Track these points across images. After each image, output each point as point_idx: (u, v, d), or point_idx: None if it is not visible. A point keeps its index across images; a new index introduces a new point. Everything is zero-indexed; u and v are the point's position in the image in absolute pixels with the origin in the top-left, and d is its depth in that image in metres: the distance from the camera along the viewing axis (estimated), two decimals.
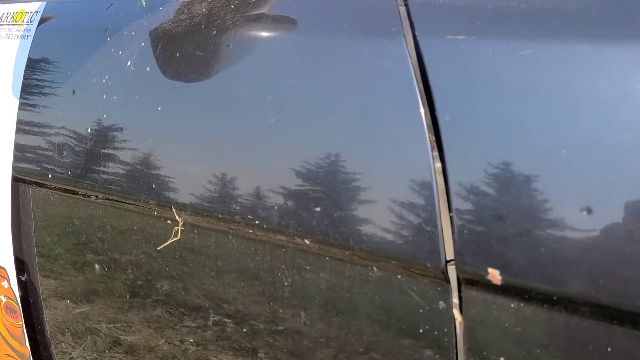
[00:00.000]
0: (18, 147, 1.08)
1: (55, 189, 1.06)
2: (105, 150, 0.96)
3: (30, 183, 1.10)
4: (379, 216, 0.63)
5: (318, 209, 0.71)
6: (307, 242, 0.74)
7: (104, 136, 0.96)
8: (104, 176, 0.96)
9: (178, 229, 0.89)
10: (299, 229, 0.75)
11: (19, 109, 1.08)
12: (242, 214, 0.81)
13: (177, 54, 0.89)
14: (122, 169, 0.93)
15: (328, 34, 0.77)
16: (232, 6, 0.88)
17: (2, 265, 1.15)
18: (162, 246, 0.92)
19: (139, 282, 0.97)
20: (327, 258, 0.73)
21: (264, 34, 0.83)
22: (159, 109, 0.89)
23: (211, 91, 0.85)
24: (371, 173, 0.65)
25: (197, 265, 0.90)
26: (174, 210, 0.88)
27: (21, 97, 1.08)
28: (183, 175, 0.86)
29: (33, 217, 1.12)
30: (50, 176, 1.03)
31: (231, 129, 0.82)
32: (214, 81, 0.85)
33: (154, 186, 0.89)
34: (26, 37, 1.10)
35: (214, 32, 0.87)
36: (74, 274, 1.08)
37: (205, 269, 0.89)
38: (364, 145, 0.66)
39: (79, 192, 1.02)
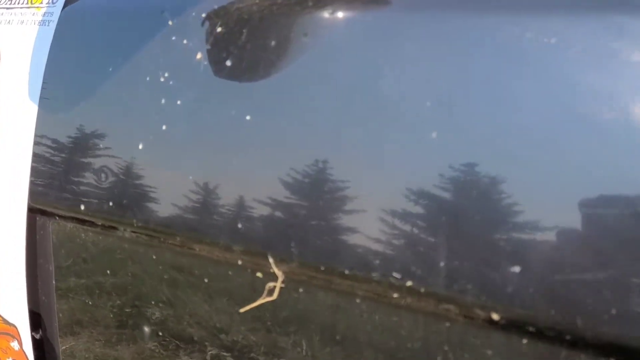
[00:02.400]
0: (37, 169, 0.83)
1: (86, 223, 0.81)
2: (166, 175, 0.71)
3: (52, 215, 0.85)
4: None
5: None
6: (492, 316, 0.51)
7: (162, 155, 0.72)
8: (161, 210, 0.72)
9: (276, 286, 0.65)
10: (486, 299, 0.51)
11: (38, 119, 0.83)
12: (383, 270, 0.57)
13: (273, 42, 0.65)
14: (190, 200, 0.69)
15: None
16: None
17: (12, 322, 0.89)
18: (247, 307, 0.68)
19: (211, 352, 0.72)
20: None
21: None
22: (247, 117, 0.65)
23: (333, 94, 0.61)
24: None
25: (301, 334, 0.66)
26: (271, 260, 0.64)
27: (41, 104, 0.83)
28: (288, 213, 0.62)
29: (53, 259, 0.87)
30: (82, 207, 0.78)
31: (369, 147, 0.58)
32: (338, 82, 0.61)
33: (240, 226, 0.65)
34: (47, 23, 0.86)
35: (331, 11, 0.63)
36: (109, 337, 0.83)
37: (314, 342, 0.65)
38: None
39: (122, 230, 0.77)
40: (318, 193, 0.61)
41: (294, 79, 0.64)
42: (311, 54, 0.63)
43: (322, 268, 0.61)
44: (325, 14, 0.63)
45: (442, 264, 0.54)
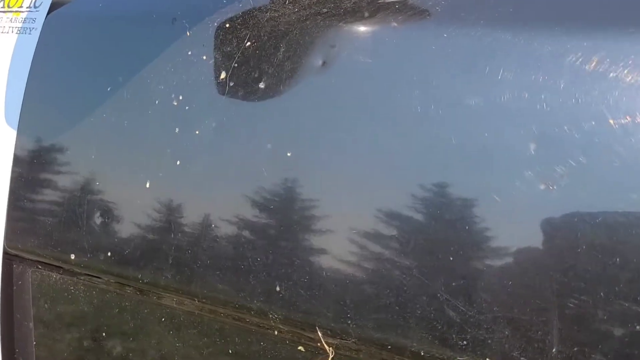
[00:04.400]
0: (14, 208, 0.70)
1: (76, 275, 0.68)
2: (181, 221, 0.59)
3: (32, 263, 0.71)
4: None
5: None
6: None
7: (176, 196, 0.59)
8: (176, 264, 0.59)
9: None
10: None
11: (17, 148, 0.70)
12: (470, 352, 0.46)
13: (322, 61, 0.54)
14: (214, 254, 0.57)
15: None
16: None
17: None
18: None
19: None
20: None
21: None
22: (288, 154, 0.54)
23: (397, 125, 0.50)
24: None
25: None
26: (319, 333, 0.52)
27: (20, 131, 0.70)
28: (339, 273, 0.51)
29: (33, 314, 0.73)
30: (72, 257, 0.65)
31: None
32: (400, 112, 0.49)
33: (278, 289, 0.53)
34: (28, 31, 0.73)
35: (395, 23, 0.52)
36: None
37: None
38: None
39: (123, 285, 0.65)
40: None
41: (353, 110, 0.52)
42: (374, 76, 0.52)
43: (386, 344, 0.49)
44: (393, 24, 0.52)
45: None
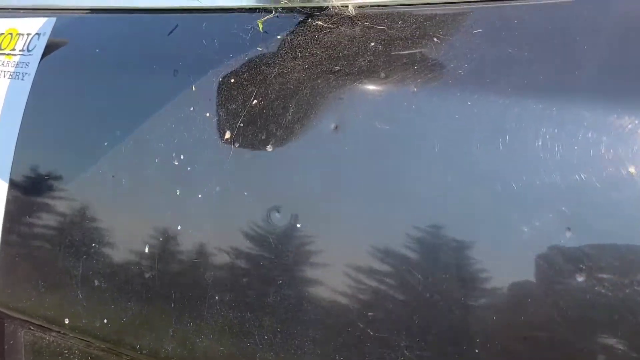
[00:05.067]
0: (5, 263, 0.66)
1: (70, 339, 0.65)
2: (183, 289, 0.55)
3: (24, 323, 0.68)
4: None
5: None
6: None
7: (177, 262, 0.56)
8: (177, 335, 0.56)
9: None
10: None
11: (8, 202, 0.66)
12: None
13: (335, 125, 0.50)
14: (220, 326, 0.53)
15: None
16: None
17: None
18: None
19: None
20: None
21: None
22: (298, 225, 0.50)
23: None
24: None
25: None
26: None
27: (11, 184, 0.66)
28: None
29: None
30: (66, 321, 0.62)
31: None
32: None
33: None
34: (20, 77, 0.69)
35: (414, 87, 0.48)
36: None
37: None
38: None
39: (120, 354, 0.61)
40: None
41: (367, 180, 0.48)
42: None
43: None
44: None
45: None
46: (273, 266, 0.52)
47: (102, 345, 0.62)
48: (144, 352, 0.58)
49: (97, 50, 0.66)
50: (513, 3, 0.50)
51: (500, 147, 0.45)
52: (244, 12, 0.58)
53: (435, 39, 0.51)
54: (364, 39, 0.53)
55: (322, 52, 0.54)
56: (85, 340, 0.64)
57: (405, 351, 0.46)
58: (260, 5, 0.57)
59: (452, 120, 0.47)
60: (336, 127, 0.51)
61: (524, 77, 0.46)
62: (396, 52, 0.51)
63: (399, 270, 0.46)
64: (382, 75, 0.50)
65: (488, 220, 0.44)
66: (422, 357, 0.45)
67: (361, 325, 0.47)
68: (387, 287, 0.47)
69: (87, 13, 0.70)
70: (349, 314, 0.48)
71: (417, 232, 0.46)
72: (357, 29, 0.54)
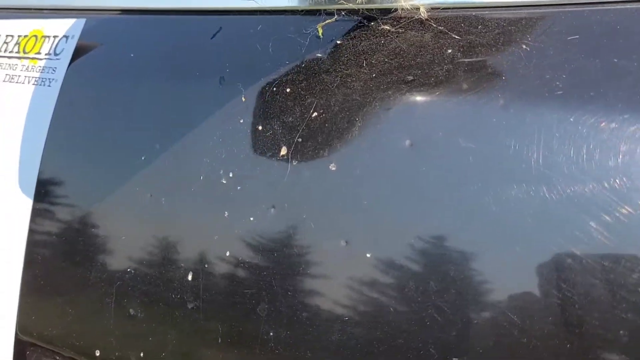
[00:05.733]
0: (29, 289, 0.61)
1: None
2: (231, 321, 0.50)
3: (49, 352, 0.62)
4: None
5: None
6: None
7: (225, 293, 0.50)
8: None
9: None
10: None
11: (33, 219, 0.61)
12: None
13: (409, 142, 0.45)
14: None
15: None
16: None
17: None
18: None
19: None
20: None
21: None
22: (368, 255, 0.44)
23: None
24: None
25: None
26: None
27: (36, 198, 0.60)
28: None
29: None
30: (97, 353, 0.56)
31: None
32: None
33: None
34: (47, 83, 0.64)
35: (502, 100, 0.43)
36: None
37: None
38: None
39: None
40: None
41: (449, 208, 0.43)
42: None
43: None
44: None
45: None
46: (338, 299, 0.46)
47: None
48: None
49: (131, 55, 0.61)
50: (615, 7, 0.44)
51: (611, 171, 0.39)
52: (302, 14, 0.53)
53: (524, 46, 0.45)
54: (439, 45, 0.48)
55: (391, 59, 0.49)
56: None
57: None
58: (321, 7, 0.51)
59: (550, 137, 0.41)
60: (411, 144, 0.45)
61: (635, 91, 0.40)
62: (478, 61, 0.46)
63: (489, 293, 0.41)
64: (465, 86, 0.45)
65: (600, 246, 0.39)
66: None
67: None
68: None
69: (119, 14, 0.65)
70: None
71: (511, 258, 0.41)
72: (430, 33, 0.49)
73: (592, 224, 0.39)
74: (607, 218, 0.39)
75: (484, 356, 0.41)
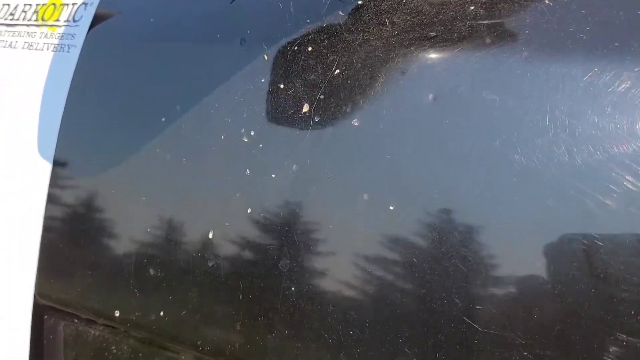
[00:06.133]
0: (48, 252, 0.61)
1: (120, 334, 0.60)
2: (252, 279, 0.50)
3: (67, 315, 0.63)
4: None
5: None
6: None
7: (247, 249, 0.51)
8: (245, 331, 0.50)
9: None
10: None
11: (52, 183, 0.61)
12: None
13: (433, 96, 0.45)
14: (293, 321, 0.48)
15: None
16: None
17: None
18: None
19: None
20: None
21: None
22: (391, 208, 0.45)
23: None
24: None
25: None
26: None
27: (56, 164, 0.61)
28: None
29: None
30: (116, 313, 0.57)
31: None
32: None
33: None
34: (65, 49, 0.64)
35: (526, 52, 0.43)
36: None
37: None
38: None
39: (177, 352, 0.56)
40: None
41: (472, 159, 0.43)
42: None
43: None
44: None
45: None
46: (359, 254, 0.46)
47: (157, 341, 0.57)
48: (206, 348, 0.53)
49: (151, 20, 0.61)
50: None
51: (636, 121, 0.39)
52: None
53: (546, 1, 0.45)
54: (460, 1, 0.48)
55: (413, 17, 0.49)
56: (136, 336, 0.58)
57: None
58: None
59: (575, 90, 0.41)
60: (434, 98, 0.45)
61: None
62: (501, 16, 0.46)
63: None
64: (488, 40, 0.45)
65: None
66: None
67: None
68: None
69: None
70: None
71: (539, 210, 0.41)
72: None
73: (620, 172, 0.39)
74: (636, 166, 0.39)
75: (508, 303, 0.41)
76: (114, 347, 0.61)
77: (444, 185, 0.44)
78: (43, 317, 0.65)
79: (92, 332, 0.62)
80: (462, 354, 0.42)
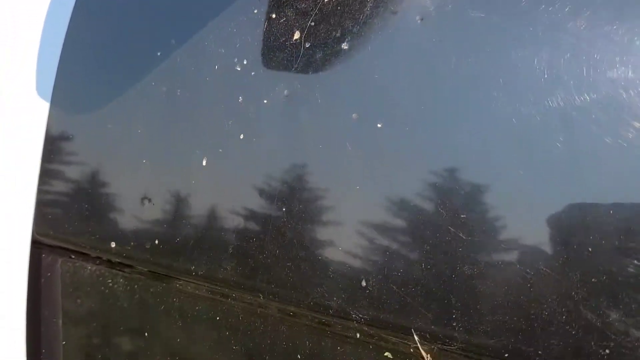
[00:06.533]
0: (46, 190, 0.63)
1: (116, 266, 0.61)
2: (244, 203, 0.51)
3: (64, 252, 0.64)
4: None
5: None
6: None
7: (239, 175, 0.52)
8: (237, 254, 0.52)
9: None
10: None
11: (50, 121, 0.62)
12: None
13: (420, 18, 0.46)
14: (284, 241, 0.49)
15: None
16: None
17: None
18: None
19: None
20: None
21: None
22: (379, 125, 0.46)
23: None
24: None
25: None
26: (416, 337, 0.44)
27: (53, 102, 0.62)
28: (441, 268, 0.43)
29: (62, 311, 0.66)
30: (112, 245, 0.58)
31: None
32: None
33: (364, 284, 0.46)
34: None
35: None
36: None
37: None
38: None
39: (172, 278, 0.57)
40: None
41: (458, 78, 0.44)
42: None
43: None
44: None
45: None
46: (349, 174, 0.48)
47: (152, 270, 0.58)
48: (199, 273, 0.54)
49: None
50: None
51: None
52: None
53: None
54: None
55: None
56: (132, 267, 0.60)
57: None
58: None
59: (560, 4, 0.43)
60: (422, 19, 0.47)
61: None
62: None
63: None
64: None
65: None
66: None
67: None
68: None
69: None
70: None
71: (521, 127, 0.42)
72: None
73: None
74: None
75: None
76: (110, 281, 0.62)
77: (435, 99, 0.45)
78: (41, 255, 0.66)
79: (89, 267, 0.63)
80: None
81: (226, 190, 0.53)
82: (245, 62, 0.53)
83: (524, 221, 0.41)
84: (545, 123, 0.41)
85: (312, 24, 0.51)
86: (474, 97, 0.44)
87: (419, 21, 0.47)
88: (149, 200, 0.56)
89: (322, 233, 0.48)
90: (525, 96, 0.42)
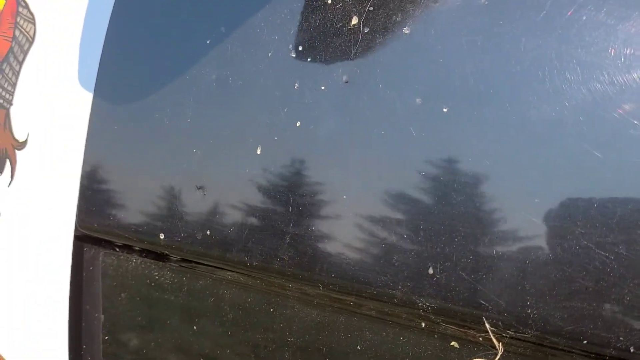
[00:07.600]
0: (90, 181, 0.62)
1: (163, 258, 0.60)
2: (301, 192, 0.51)
3: (107, 245, 0.63)
4: None
5: None
6: None
7: (294, 163, 0.51)
8: (294, 243, 0.51)
9: None
10: None
11: (94, 110, 0.62)
12: None
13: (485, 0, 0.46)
14: (343, 229, 0.49)
15: None
16: None
17: None
18: None
19: None
20: None
21: None
22: (445, 110, 0.45)
23: None
24: None
25: None
26: (487, 326, 0.44)
27: (97, 91, 0.62)
28: (514, 253, 0.42)
29: (102, 306, 0.65)
30: (161, 236, 0.57)
31: None
32: None
33: (431, 271, 0.45)
34: None
35: None
36: None
37: None
38: None
39: (224, 270, 0.57)
40: None
41: (529, 60, 0.44)
42: None
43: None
44: None
45: None
46: (415, 161, 0.47)
47: (203, 262, 0.57)
48: (254, 264, 0.53)
49: None
50: None
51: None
52: None
53: None
54: None
55: None
56: (182, 258, 0.59)
57: None
58: None
59: None
60: (485, 1, 0.46)
61: None
62: None
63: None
64: None
65: None
66: None
67: None
68: None
69: None
70: None
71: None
72: None
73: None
74: None
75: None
76: (156, 273, 0.61)
77: (504, 87, 0.45)
78: (83, 249, 0.65)
79: (134, 259, 0.63)
80: None
81: (282, 179, 0.52)
82: (300, 49, 0.52)
83: (602, 204, 0.40)
84: None
85: (371, 8, 0.50)
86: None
87: (484, 2, 0.46)
88: (202, 189, 0.56)
89: (386, 221, 0.47)
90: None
